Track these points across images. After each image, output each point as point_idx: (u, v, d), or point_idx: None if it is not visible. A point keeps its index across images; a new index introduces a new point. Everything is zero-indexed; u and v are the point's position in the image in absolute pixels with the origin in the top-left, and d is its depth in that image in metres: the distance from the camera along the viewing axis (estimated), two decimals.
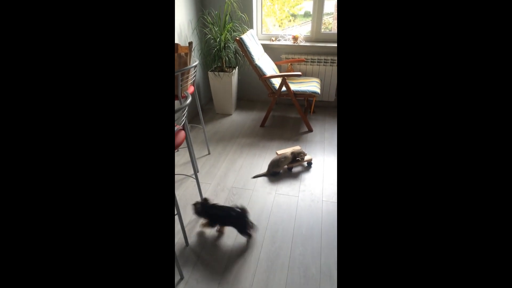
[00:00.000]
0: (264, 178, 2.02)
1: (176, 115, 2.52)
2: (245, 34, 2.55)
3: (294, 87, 2.56)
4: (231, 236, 1.55)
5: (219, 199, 1.83)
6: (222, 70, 2.77)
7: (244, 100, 3.27)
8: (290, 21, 3.04)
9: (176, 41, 2.39)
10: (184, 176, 2.05)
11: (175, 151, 2.35)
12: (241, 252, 1.47)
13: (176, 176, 2.05)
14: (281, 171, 2.07)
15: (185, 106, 1.30)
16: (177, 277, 1.34)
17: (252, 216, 1.69)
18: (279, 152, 2.22)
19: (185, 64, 1.76)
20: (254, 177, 2.03)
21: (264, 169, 2.11)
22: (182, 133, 1.41)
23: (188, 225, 1.63)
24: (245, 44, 2.44)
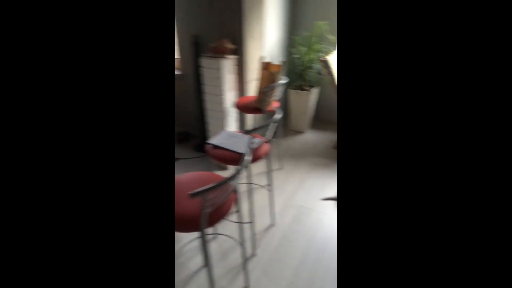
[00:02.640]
0: (335, 202, 1.94)
1: (265, 129, 2.64)
2: (331, 55, 2.56)
3: None
4: (297, 256, 1.53)
5: (287, 214, 1.83)
6: (302, 89, 2.82)
7: (319, 120, 3.24)
8: None
9: (268, 60, 2.54)
10: (257, 186, 2.12)
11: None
12: (306, 275, 1.43)
13: (250, 185, 2.14)
14: None
15: (276, 121, 1.36)
16: (242, 284, 1.37)
17: (319, 239, 1.64)
18: None
19: (274, 81, 1.85)
20: (325, 199, 1.98)
21: (335, 192, 2.04)
22: (266, 146, 1.48)
23: (257, 234, 1.67)
24: (329, 65, 2.45)
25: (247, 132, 1.21)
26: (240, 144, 1.41)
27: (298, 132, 2.98)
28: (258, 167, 2.35)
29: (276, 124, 1.45)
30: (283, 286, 1.37)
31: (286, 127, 3.07)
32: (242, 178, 2.16)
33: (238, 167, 1.00)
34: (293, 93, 2.83)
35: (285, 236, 1.67)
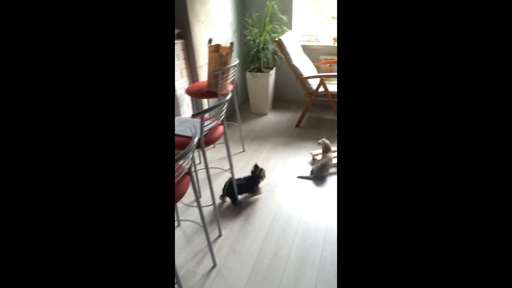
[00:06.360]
0: (301, 178, 2.02)
1: (216, 111, 2.62)
2: (284, 35, 2.58)
3: (332, 88, 2.53)
4: (263, 230, 1.59)
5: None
6: (260, 71, 2.83)
7: (280, 101, 3.29)
8: (330, 24, 3.01)
9: (217, 42, 2.50)
10: (220, 170, 2.13)
11: (212, 146, 2.45)
12: (272, 246, 1.49)
13: (212, 170, 2.15)
14: (327, 176, 2.03)
15: (225, 102, 1.36)
16: (210, 264, 1.40)
17: (284, 212, 1.71)
18: (313, 152, 2.20)
19: (226, 63, 1.84)
20: (299, 177, 2.03)
21: (299, 169, 2.11)
22: (221, 128, 1.48)
23: (221, 217, 1.70)
24: (283, 45, 2.48)
25: (194, 115, 1.20)
26: (190, 129, 1.40)
27: (260, 114, 3.01)
28: (219, 153, 2.36)
29: (226, 105, 1.45)
30: (251, 260, 1.42)
31: (248, 111, 3.09)
32: (201, 163, 2.17)
33: (188, 148, 1.00)
34: (250, 77, 2.83)
35: (250, 214, 1.72)
